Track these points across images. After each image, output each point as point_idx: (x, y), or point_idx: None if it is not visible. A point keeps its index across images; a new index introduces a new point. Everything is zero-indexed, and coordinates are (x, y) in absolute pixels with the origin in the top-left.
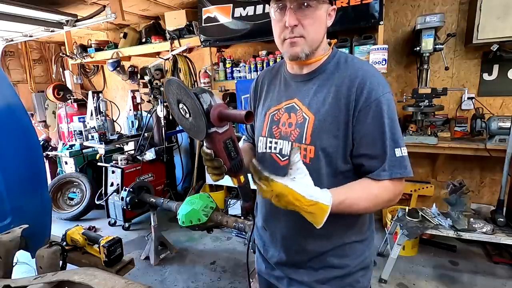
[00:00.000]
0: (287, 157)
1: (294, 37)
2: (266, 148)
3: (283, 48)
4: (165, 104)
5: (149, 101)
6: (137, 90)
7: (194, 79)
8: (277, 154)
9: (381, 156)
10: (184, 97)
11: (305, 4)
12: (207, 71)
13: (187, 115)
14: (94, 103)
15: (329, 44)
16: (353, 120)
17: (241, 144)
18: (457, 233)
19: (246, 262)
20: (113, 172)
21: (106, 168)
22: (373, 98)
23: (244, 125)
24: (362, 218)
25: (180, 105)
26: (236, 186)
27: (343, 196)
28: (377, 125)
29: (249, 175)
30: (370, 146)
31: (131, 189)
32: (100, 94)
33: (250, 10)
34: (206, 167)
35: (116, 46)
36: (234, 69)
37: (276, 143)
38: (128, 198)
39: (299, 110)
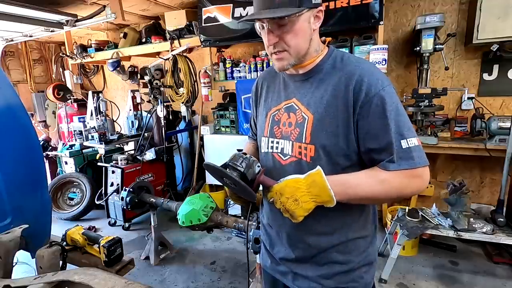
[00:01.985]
0: (288, 157)
1: (278, 52)
2: (268, 148)
3: (272, 61)
4: (165, 104)
5: (149, 101)
6: (137, 90)
7: (194, 79)
8: (279, 154)
9: (388, 149)
10: (227, 177)
11: (280, 22)
12: (207, 71)
13: (233, 185)
14: (94, 103)
15: (324, 42)
16: (355, 117)
17: (245, 144)
18: (457, 233)
19: (247, 261)
20: (113, 172)
21: (106, 168)
22: (373, 93)
23: (248, 123)
24: (365, 215)
25: (224, 179)
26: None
27: (340, 176)
28: (380, 119)
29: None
30: (376, 140)
31: (131, 189)
32: (100, 94)
33: (250, 10)
34: (231, 198)
35: (116, 46)
36: (234, 69)
37: (277, 143)
38: (128, 198)
39: (298, 109)
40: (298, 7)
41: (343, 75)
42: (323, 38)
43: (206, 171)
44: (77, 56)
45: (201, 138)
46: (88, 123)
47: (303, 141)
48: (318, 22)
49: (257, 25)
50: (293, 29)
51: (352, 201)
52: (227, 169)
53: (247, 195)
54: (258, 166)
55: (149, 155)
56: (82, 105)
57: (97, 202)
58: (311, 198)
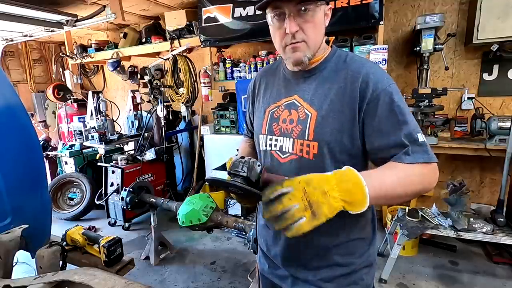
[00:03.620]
0: (288, 154)
1: (296, 43)
2: (266, 146)
3: (286, 54)
4: (165, 104)
5: (149, 101)
6: (137, 90)
7: (194, 79)
8: (277, 152)
9: (401, 144)
10: (232, 185)
11: (304, 8)
12: (207, 71)
13: (240, 192)
14: (94, 103)
15: (327, 42)
16: (361, 114)
17: (241, 143)
18: (457, 233)
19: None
20: (113, 172)
21: (106, 168)
22: (380, 90)
23: (244, 121)
24: (365, 216)
25: (230, 188)
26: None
27: (369, 174)
28: (391, 114)
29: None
30: (387, 136)
31: (131, 189)
32: (100, 94)
33: (250, 10)
34: (241, 203)
35: (116, 46)
36: (234, 69)
37: (276, 140)
38: (128, 198)
39: (300, 106)
40: None
41: (349, 73)
42: (326, 37)
43: (206, 172)
44: (77, 56)
45: (201, 138)
46: (88, 123)
47: (306, 138)
48: (327, 19)
49: (270, 16)
50: (313, 19)
51: (378, 202)
52: (230, 178)
53: (255, 198)
54: (259, 166)
55: (149, 155)
56: (82, 105)
57: (97, 202)
58: (340, 195)
